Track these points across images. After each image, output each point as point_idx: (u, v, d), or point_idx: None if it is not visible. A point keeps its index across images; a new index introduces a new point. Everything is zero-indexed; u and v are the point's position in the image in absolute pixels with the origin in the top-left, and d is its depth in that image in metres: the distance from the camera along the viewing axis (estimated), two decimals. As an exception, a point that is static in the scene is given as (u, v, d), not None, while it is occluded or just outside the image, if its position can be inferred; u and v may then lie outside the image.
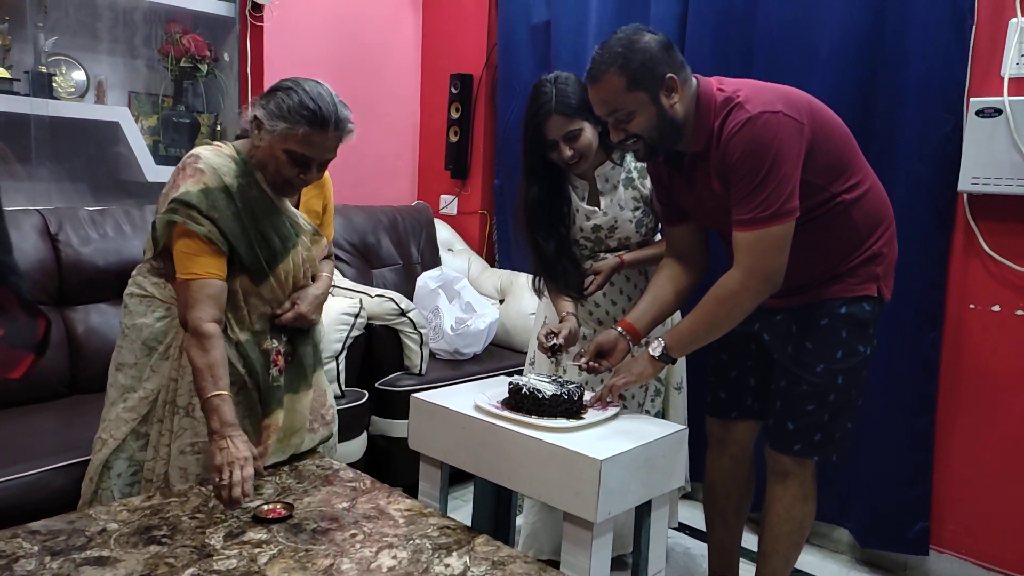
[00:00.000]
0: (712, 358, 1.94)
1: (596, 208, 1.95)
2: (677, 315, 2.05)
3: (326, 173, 1.71)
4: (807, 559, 2.41)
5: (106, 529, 1.32)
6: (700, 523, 2.07)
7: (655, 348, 1.65)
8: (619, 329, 1.74)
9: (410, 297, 2.90)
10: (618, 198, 1.94)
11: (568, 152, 1.83)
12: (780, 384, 1.77)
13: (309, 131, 1.49)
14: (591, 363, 1.73)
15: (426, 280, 2.97)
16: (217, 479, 1.38)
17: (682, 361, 2.16)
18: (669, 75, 1.54)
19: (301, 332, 1.71)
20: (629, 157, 1.96)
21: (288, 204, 1.66)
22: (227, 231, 1.52)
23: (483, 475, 1.60)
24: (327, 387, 1.82)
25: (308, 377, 1.72)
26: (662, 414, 2.12)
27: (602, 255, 1.98)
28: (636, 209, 1.95)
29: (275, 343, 1.65)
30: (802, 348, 1.71)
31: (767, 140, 1.49)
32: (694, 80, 1.60)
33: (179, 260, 1.53)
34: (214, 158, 1.55)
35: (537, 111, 1.83)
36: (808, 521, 1.81)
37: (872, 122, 2.23)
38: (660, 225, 1.98)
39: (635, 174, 1.96)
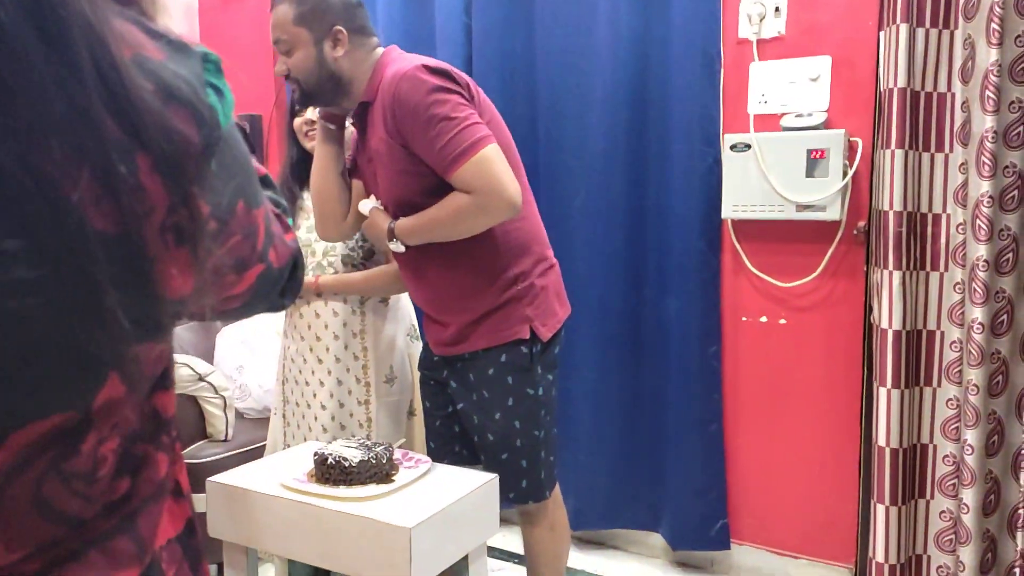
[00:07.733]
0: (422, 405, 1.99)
1: None
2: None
3: None
4: (627, 566, 2.55)
5: None
6: (516, 546, 2.11)
7: (390, 221, 1.70)
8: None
9: (210, 356, 2.73)
10: None
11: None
12: (475, 439, 1.82)
13: None
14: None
15: (227, 336, 2.81)
16: None
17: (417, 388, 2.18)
18: (337, 27, 1.62)
19: None
20: None
21: None
22: None
23: (294, 556, 1.54)
24: None
25: None
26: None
27: (327, 260, 2.03)
28: None
29: None
30: (482, 397, 1.76)
31: (430, 86, 1.54)
32: (379, 49, 1.70)
33: None
34: None
35: None
36: (563, 547, 1.90)
37: (646, 158, 2.41)
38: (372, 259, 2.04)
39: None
